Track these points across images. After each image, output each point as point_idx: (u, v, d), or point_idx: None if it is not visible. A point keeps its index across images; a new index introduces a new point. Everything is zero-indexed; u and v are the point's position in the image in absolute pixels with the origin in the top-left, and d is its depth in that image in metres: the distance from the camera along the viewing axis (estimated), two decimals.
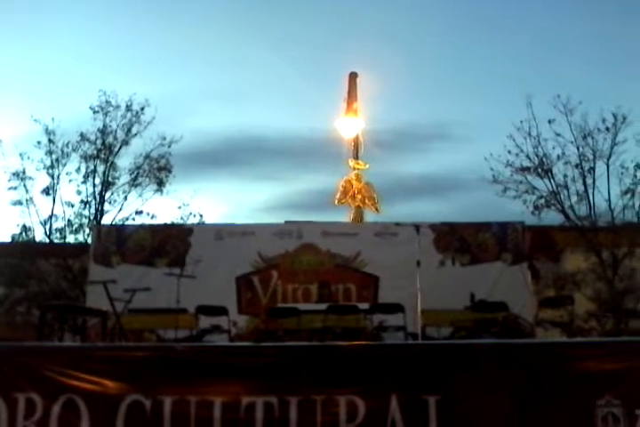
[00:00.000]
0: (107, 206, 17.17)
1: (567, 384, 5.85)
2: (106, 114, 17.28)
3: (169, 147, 17.38)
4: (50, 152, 16.94)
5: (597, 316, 14.32)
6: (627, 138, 15.79)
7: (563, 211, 15.96)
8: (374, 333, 9.81)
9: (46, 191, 16.91)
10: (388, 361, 6.05)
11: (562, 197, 16.00)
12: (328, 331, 9.63)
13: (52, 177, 16.94)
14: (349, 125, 20.47)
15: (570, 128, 15.96)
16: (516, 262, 12.01)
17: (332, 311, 9.93)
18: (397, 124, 28.25)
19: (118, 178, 17.35)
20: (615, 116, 15.71)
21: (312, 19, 33.77)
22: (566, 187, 15.99)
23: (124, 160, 17.42)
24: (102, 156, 17.14)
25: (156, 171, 17.35)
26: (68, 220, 16.95)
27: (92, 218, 16.97)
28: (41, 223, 16.89)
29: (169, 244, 12.55)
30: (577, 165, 15.99)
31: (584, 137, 15.91)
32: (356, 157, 20.09)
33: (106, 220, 17.03)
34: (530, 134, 16.08)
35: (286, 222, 14.75)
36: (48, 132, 16.91)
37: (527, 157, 16.08)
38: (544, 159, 16.07)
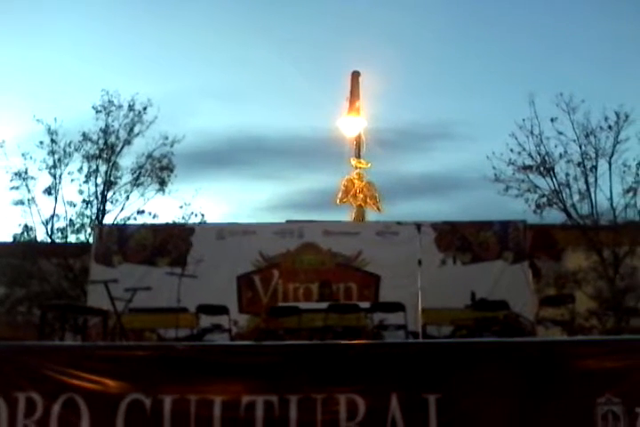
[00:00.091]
0: (108, 206, 17.22)
1: (567, 382, 5.85)
2: (108, 114, 17.33)
3: (171, 146, 17.43)
4: (52, 152, 16.98)
5: (598, 314, 14.32)
6: (629, 136, 15.80)
7: (564, 209, 15.96)
8: (375, 331, 9.81)
9: (48, 191, 16.95)
10: (389, 360, 6.06)
11: (564, 195, 16.02)
12: (329, 330, 9.63)
13: (54, 177, 16.99)
14: (351, 124, 20.44)
15: (572, 126, 15.98)
16: (517, 261, 11.99)
17: (333, 310, 9.93)
18: (399, 123, 28.23)
19: (120, 177, 17.40)
20: (618, 115, 15.72)
21: (313, 18, 33.76)
22: (568, 185, 16.00)
23: (127, 160, 17.49)
24: (104, 155, 17.17)
25: (158, 170, 17.38)
26: (70, 219, 17.01)
27: (93, 217, 17.01)
28: (43, 223, 16.95)
29: (170, 243, 12.55)
30: (579, 164, 15.99)
31: (586, 135, 15.91)
32: (358, 156, 20.07)
33: (107, 219, 17.09)
34: (532, 133, 16.11)
35: (287, 222, 14.76)
36: (50, 132, 16.96)
37: (529, 155, 16.10)
38: (546, 158, 16.08)
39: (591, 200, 15.87)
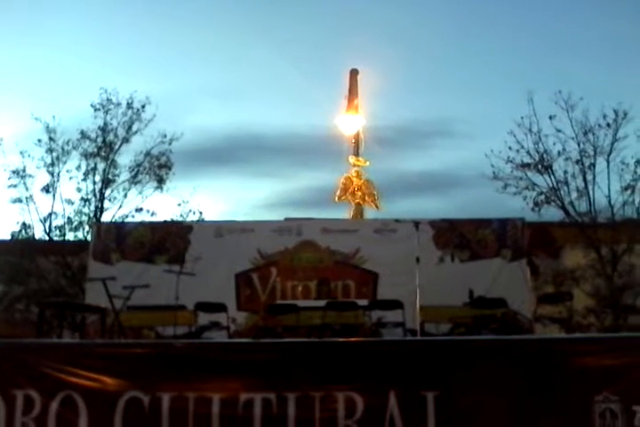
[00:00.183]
0: (107, 204, 17.19)
1: (565, 380, 5.87)
2: (106, 112, 17.28)
3: (169, 144, 17.40)
4: (50, 150, 16.93)
5: (596, 312, 14.34)
6: (627, 134, 15.77)
7: (563, 207, 15.95)
8: (373, 329, 9.82)
9: (46, 189, 16.91)
10: (387, 357, 6.07)
11: (562, 193, 16.00)
12: (327, 327, 9.63)
13: (53, 175, 16.94)
14: (350, 122, 20.42)
15: (571, 124, 15.93)
16: (515, 259, 12.00)
17: (331, 308, 9.93)
18: (398, 121, 28.23)
19: (118, 175, 17.36)
20: (616, 113, 15.70)
21: (312, 17, 33.69)
22: (566, 183, 15.98)
23: (125, 158, 17.44)
24: (103, 153, 17.13)
25: (157, 168, 17.35)
26: (68, 217, 16.97)
27: (91, 215, 16.98)
28: (41, 221, 16.90)
29: (168, 241, 12.54)
30: (577, 162, 15.97)
31: (585, 133, 15.88)
32: (357, 154, 20.06)
33: (106, 217, 17.06)
34: (530, 130, 16.07)
35: (286, 219, 14.75)
36: (49, 130, 16.92)
37: (528, 153, 16.07)
38: (544, 155, 16.05)
39: (589, 198, 15.88)
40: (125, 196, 17.24)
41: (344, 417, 5.83)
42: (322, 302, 10.14)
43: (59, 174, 16.95)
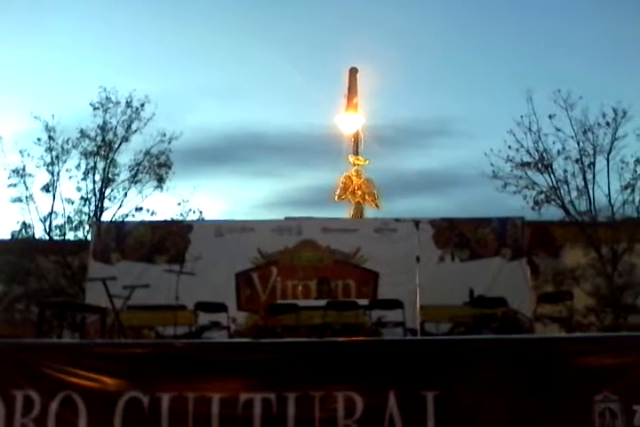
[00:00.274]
0: (106, 203, 17.21)
1: (565, 380, 5.87)
2: (106, 110, 17.29)
3: (169, 143, 17.42)
4: (50, 149, 16.94)
5: (596, 311, 14.34)
6: (627, 133, 15.81)
7: (563, 206, 15.96)
8: (373, 329, 9.81)
9: (46, 188, 16.91)
10: (387, 357, 6.07)
11: (562, 192, 16.02)
12: (327, 327, 9.62)
13: (52, 174, 16.96)
14: (349, 121, 20.40)
15: (570, 123, 15.97)
16: (515, 258, 12.00)
17: (332, 307, 9.93)
18: (398, 120, 28.27)
19: (118, 174, 17.38)
20: (615, 111, 15.72)
21: (311, 16, 33.67)
22: (566, 182, 16.01)
23: (124, 157, 17.46)
24: (102, 152, 17.14)
25: (156, 167, 17.36)
26: (68, 217, 16.97)
27: (91, 215, 17.00)
28: (41, 220, 16.90)
29: (169, 240, 12.54)
30: (577, 160, 15.98)
31: (584, 132, 15.91)
32: (356, 153, 20.04)
33: (106, 216, 17.08)
34: (530, 129, 16.09)
35: (286, 219, 14.74)
36: (48, 128, 16.92)
37: (527, 152, 16.09)
38: (544, 154, 16.08)
39: (589, 197, 15.89)
40: (125, 195, 17.30)
41: (344, 417, 5.82)
42: (322, 302, 10.14)
43: (58, 173, 16.99)
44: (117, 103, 17.32)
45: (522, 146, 16.06)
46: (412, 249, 9.39)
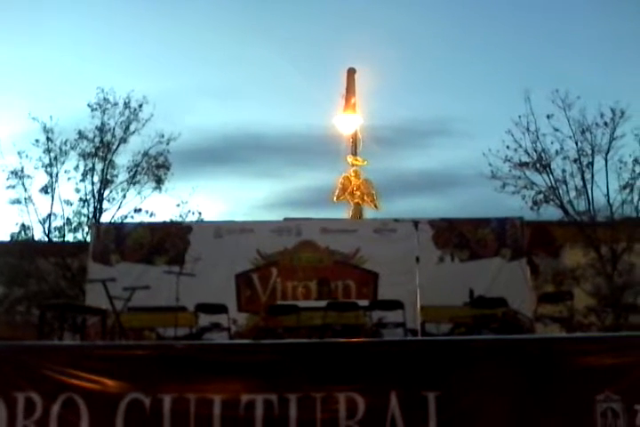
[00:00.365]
0: (105, 204, 17.19)
1: (567, 380, 5.86)
2: (104, 111, 17.26)
3: (167, 144, 17.39)
4: (48, 150, 16.93)
5: (597, 311, 14.33)
6: (625, 133, 15.81)
7: (561, 206, 15.97)
8: (374, 329, 9.83)
9: (45, 190, 16.90)
10: (388, 358, 6.07)
11: (560, 192, 16.03)
12: (328, 328, 9.63)
13: (51, 175, 16.93)
14: (348, 122, 20.40)
15: (568, 123, 15.97)
16: (515, 258, 12.02)
17: (332, 308, 9.94)
18: (396, 120, 28.20)
19: (117, 176, 17.36)
20: (613, 111, 15.73)
21: (310, 16, 33.67)
22: (565, 182, 16.01)
23: (123, 158, 17.44)
24: (100, 153, 17.12)
25: (155, 168, 17.34)
26: (67, 218, 16.96)
27: (90, 216, 16.98)
28: (40, 222, 16.89)
29: (168, 242, 12.55)
30: (575, 160, 15.99)
31: (582, 132, 15.91)
32: (355, 154, 20.02)
33: (105, 218, 17.06)
34: (528, 129, 16.09)
35: (285, 219, 14.74)
36: (46, 130, 16.90)
37: (526, 152, 16.09)
38: (542, 154, 16.08)
39: (588, 197, 15.90)
40: (124, 196, 17.28)
41: (345, 418, 5.82)
42: (322, 303, 10.16)
43: (57, 175, 16.97)
44: (115, 104, 17.32)
45: (520, 146, 16.09)
46: (411, 249, 9.40)
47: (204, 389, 5.98)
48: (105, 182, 17.17)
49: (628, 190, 15.69)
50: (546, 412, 5.78)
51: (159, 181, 17.28)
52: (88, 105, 17.19)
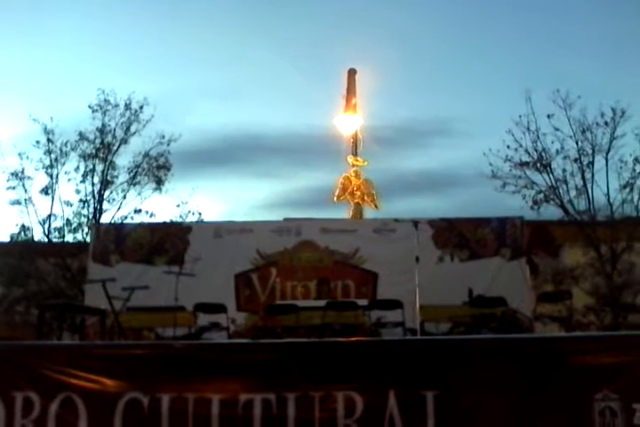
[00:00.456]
0: (105, 205, 17.18)
1: (565, 379, 5.87)
2: (104, 113, 17.26)
3: (167, 145, 17.39)
4: (48, 151, 16.93)
5: (596, 310, 14.32)
6: (625, 132, 15.79)
7: (562, 206, 15.95)
8: (373, 329, 9.83)
9: (45, 191, 16.90)
10: (387, 357, 6.07)
11: (561, 191, 16.00)
12: (327, 327, 9.64)
13: (51, 176, 16.93)
14: (348, 122, 20.40)
15: (569, 123, 15.95)
16: (514, 258, 12.00)
17: (331, 308, 9.95)
18: (397, 121, 28.21)
19: (117, 177, 17.36)
20: (614, 111, 15.71)
21: (310, 16, 33.68)
22: (565, 181, 15.99)
23: (123, 159, 17.43)
24: (101, 155, 17.12)
25: (155, 169, 17.34)
26: (67, 219, 16.96)
27: (90, 217, 16.98)
28: (40, 223, 16.89)
29: (168, 242, 12.54)
30: (576, 160, 15.98)
31: (583, 131, 15.89)
32: (355, 154, 20.03)
33: (105, 218, 17.06)
34: (529, 129, 16.07)
35: (285, 219, 14.74)
36: (47, 131, 16.90)
37: (526, 151, 16.07)
38: (543, 154, 16.06)
39: (588, 196, 15.88)
40: (124, 197, 17.28)
41: (344, 417, 5.83)
42: (321, 302, 10.16)
43: (57, 176, 16.97)
44: (116, 106, 17.32)
45: (520, 146, 16.06)
46: (411, 249, 9.40)
47: (202, 388, 5.99)
48: (105, 183, 17.18)
49: (628, 190, 15.68)
50: (544, 411, 5.79)
51: (159, 182, 17.30)
52: (89, 106, 17.22)
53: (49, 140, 16.90)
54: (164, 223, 15.88)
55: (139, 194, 17.30)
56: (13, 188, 16.74)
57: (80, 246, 15.80)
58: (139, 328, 11.01)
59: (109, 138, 17.20)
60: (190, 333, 9.94)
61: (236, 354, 6.25)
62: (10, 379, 6.04)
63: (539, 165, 16.05)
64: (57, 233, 17.00)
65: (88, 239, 14.76)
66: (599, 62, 31.06)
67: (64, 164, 16.99)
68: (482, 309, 10.16)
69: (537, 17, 31.70)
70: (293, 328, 9.68)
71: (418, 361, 6.05)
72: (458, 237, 12.27)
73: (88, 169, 17.09)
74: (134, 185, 17.29)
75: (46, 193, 16.90)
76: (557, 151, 16.01)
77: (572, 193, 15.94)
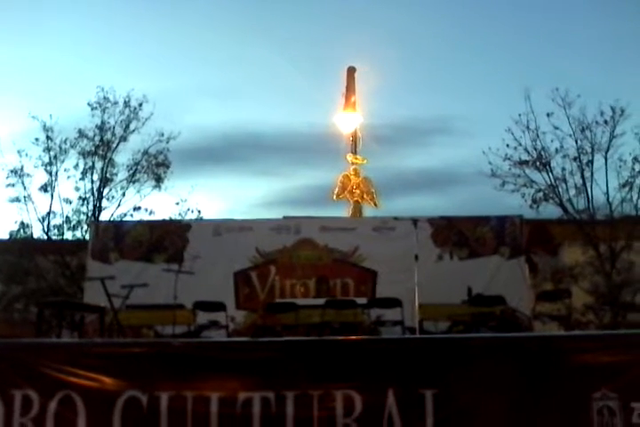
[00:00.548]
0: (105, 203, 17.20)
1: (564, 378, 5.86)
2: (104, 110, 17.27)
3: (167, 143, 17.40)
4: (48, 149, 16.93)
5: (595, 309, 14.34)
6: (625, 131, 15.79)
7: (561, 204, 15.96)
8: (372, 327, 9.83)
9: (44, 188, 16.90)
10: (386, 355, 6.06)
11: (560, 190, 16.01)
12: (326, 326, 9.65)
13: (50, 174, 16.94)
14: (348, 120, 20.39)
15: (568, 121, 15.95)
16: (513, 256, 12.00)
17: (330, 306, 9.95)
18: (397, 119, 28.24)
19: (116, 174, 17.38)
20: (613, 110, 15.71)
21: (310, 15, 33.67)
22: (564, 180, 16.00)
23: (122, 156, 17.45)
24: (100, 152, 17.13)
25: (154, 167, 17.35)
26: (66, 216, 16.97)
27: (90, 214, 16.99)
28: (39, 220, 16.90)
29: (167, 240, 12.55)
30: (575, 159, 15.98)
31: (582, 130, 15.90)
32: (354, 152, 20.01)
33: (104, 216, 17.08)
34: (528, 128, 16.07)
35: (284, 218, 14.74)
36: (46, 128, 16.90)
37: (525, 150, 16.08)
38: (542, 153, 16.06)
39: (587, 195, 15.89)
40: (123, 195, 17.30)
41: (342, 415, 5.81)
42: (321, 301, 10.17)
43: (56, 173, 16.98)
44: (115, 103, 17.32)
45: (520, 144, 16.07)
46: (410, 248, 9.41)
47: (201, 386, 5.97)
48: (104, 181, 17.19)
49: (627, 189, 15.69)
50: (543, 409, 5.78)
51: (159, 180, 17.31)
52: (88, 104, 17.23)
53: (48, 138, 16.92)
54: (164, 221, 15.87)
55: (138, 191, 17.35)
56: (13, 185, 16.78)
57: (79, 244, 15.79)
58: (138, 326, 11.00)
59: (109, 135, 17.23)
60: (189, 331, 9.94)
61: (235, 352, 6.24)
62: (9, 377, 6.03)
63: (538, 163, 16.05)
64: (56, 231, 17.03)
65: (87, 237, 14.76)
66: (598, 61, 31.09)
67: (63, 161, 17.04)
68: (481, 307, 10.17)
69: (536, 16, 31.72)
70: (293, 326, 9.68)
71: (417, 360, 6.04)
72: (457, 235, 12.28)
73: (87, 166, 17.13)
74: (133, 183, 17.33)
75: (45, 190, 16.92)
76: (557, 150, 16.04)
77: (572, 192, 15.97)
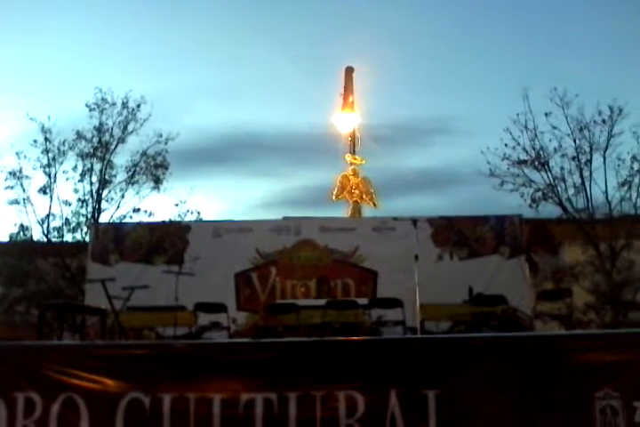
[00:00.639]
0: (104, 204, 17.15)
1: (566, 377, 5.86)
2: (102, 111, 17.23)
3: (165, 144, 17.34)
4: (46, 151, 16.88)
5: (596, 308, 14.34)
6: (623, 130, 15.79)
7: (560, 203, 15.96)
8: (373, 327, 9.84)
9: (43, 190, 16.87)
10: (387, 356, 6.06)
11: (559, 189, 16.01)
12: (327, 326, 9.66)
13: (49, 176, 16.89)
14: (346, 120, 20.40)
15: (566, 121, 15.95)
16: (513, 256, 12.00)
17: (331, 307, 9.96)
18: (396, 119, 28.22)
19: (115, 176, 17.33)
20: (611, 109, 15.71)
21: (309, 15, 33.69)
22: (563, 179, 16.00)
23: (121, 158, 17.40)
24: (99, 154, 17.09)
25: (153, 168, 17.31)
26: (66, 218, 16.92)
27: (89, 216, 16.95)
28: (38, 222, 16.85)
29: (167, 241, 12.54)
30: (574, 158, 15.98)
31: (580, 129, 15.89)
32: (353, 152, 20.03)
33: (103, 218, 17.03)
34: (526, 127, 16.08)
35: (284, 218, 14.74)
36: (44, 130, 16.86)
37: (524, 149, 16.09)
38: (541, 152, 16.06)
39: (586, 194, 15.88)
40: (122, 196, 17.23)
41: (345, 416, 5.81)
42: (322, 301, 10.19)
43: (55, 175, 16.93)
44: (113, 104, 17.29)
45: (518, 144, 16.08)
46: (410, 248, 9.42)
47: (203, 388, 5.97)
48: (103, 182, 17.16)
49: (626, 187, 15.69)
50: (545, 409, 5.78)
51: (157, 181, 17.26)
52: (86, 105, 17.18)
53: (46, 140, 16.87)
54: (163, 222, 15.85)
55: (137, 193, 17.29)
56: (11, 187, 16.73)
57: (79, 246, 15.78)
58: (139, 328, 11.01)
59: (107, 137, 17.18)
60: (191, 332, 9.96)
61: (237, 353, 6.24)
62: (11, 379, 6.03)
63: (537, 163, 16.06)
64: (56, 233, 16.98)
65: (87, 239, 14.76)
66: (596, 61, 31.12)
67: (62, 163, 16.99)
68: (482, 307, 10.18)
69: (535, 17, 31.77)
70: (294, 327, 9.68)
71: (419, 360, 6.04)
72: (457, 235, 12.29)
73: (86, 168, 17.08)
74: (132, 184, 17.28)
75: (44, 192, 16.87)
76: (555, 149, 16.04)
77: (571, 191, 15.97)
